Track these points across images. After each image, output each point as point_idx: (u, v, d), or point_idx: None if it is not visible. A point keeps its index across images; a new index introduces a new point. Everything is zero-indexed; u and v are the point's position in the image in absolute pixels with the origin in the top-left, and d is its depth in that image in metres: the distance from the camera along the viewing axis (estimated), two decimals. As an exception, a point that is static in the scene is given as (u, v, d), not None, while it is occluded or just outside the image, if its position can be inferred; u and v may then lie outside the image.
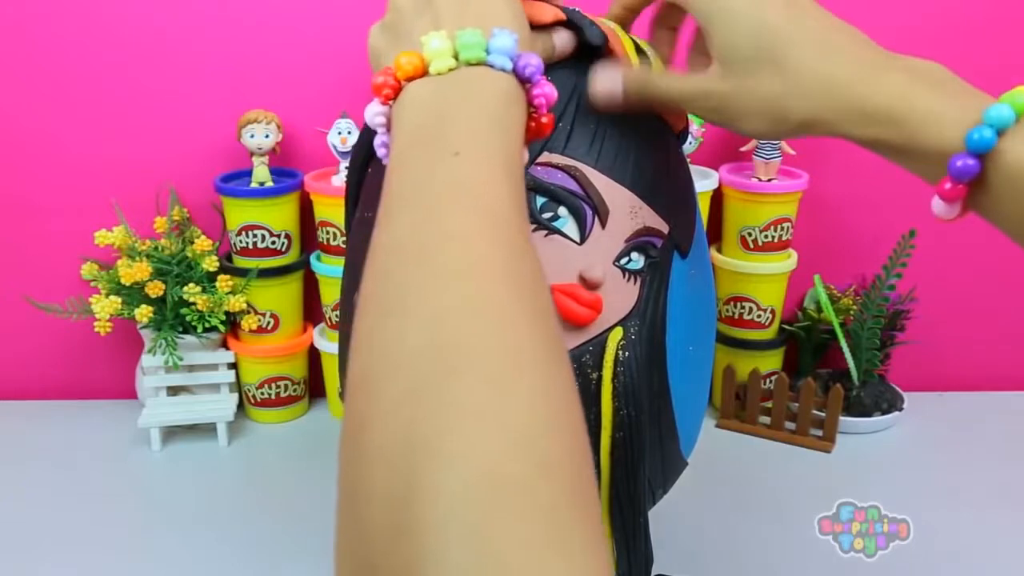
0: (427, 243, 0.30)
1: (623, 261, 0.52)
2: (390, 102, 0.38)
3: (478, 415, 0.24)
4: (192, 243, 0.93)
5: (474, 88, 0.36)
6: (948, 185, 0.40)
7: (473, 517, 0.22)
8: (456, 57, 0.37)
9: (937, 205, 0.42)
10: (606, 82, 0.50)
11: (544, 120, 0.40)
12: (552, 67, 0.52)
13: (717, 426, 0.96)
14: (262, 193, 0.92)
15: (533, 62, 0.38)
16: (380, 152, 0.41)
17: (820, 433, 0.92)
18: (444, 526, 0.22)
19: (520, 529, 0.22)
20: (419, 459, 0.24)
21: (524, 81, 0.38)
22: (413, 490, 0.23)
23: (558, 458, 0.25)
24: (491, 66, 0.37)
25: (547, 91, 0.39)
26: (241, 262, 0.94)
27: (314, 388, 1.03)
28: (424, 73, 0.37)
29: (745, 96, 0.46)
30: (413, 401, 0.25)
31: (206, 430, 0.94)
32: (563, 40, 0.50)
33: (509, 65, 0.37)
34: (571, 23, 0.50)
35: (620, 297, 0.52)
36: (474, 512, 0.22)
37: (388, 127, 0.39)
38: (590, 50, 0.51)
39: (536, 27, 0.47)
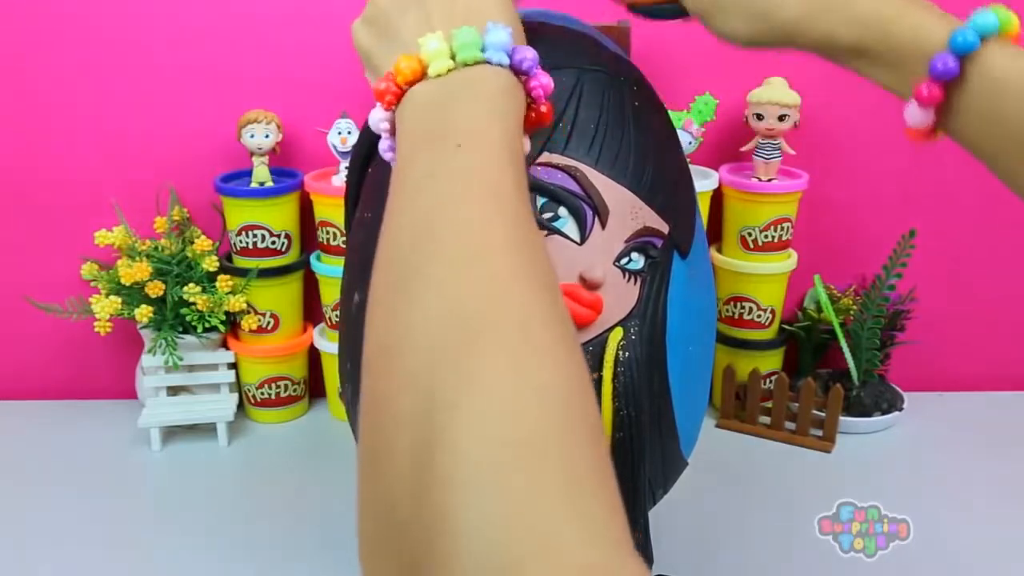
0: (436, 228, 0.31)
1: (623, 261, 0.52)
2: (393, 107, 0.39)
3: (498, 380, 0.26)
4: (192, 243, 0.93)
5: (474, 85, 0.37)
6: (925, 89, 0.41)
7: (496, 476, 0.23)
8: (453, 57, 0.37)
9: (911, 112, 0.43)
10: None
11: (544, 109, 0.41)
12: (553, 67, 0.52)
13: (717, 426, 0.96)
14: (262, 193, 0.92)
15: (529, 55, 0.38)
16: (387, 156, 0.42)
17: (820, 433, 0.92)
18: (468, 484, 0.23)
19: (541, 489, 0.23)
20: (442, 422, 0.25)
21: (521, 74, 0.39)
22: (437, 451, 0.24)
23: (575, 422, 0.26)
24: (488, 62, 0.37)
25: (544, 82, 0.39)
26: (241, 262, 0.94)
27: (314, 388, 1.03)
28: (424, 75, 0.38)
29: None
30: (433, 368, 0.26)
31: (206, 430, 0.94)
32: None
33: (506, 60, 0.38)
34: None
35: (620, 297, 0.52)
36: (497, 471, 0.23)
37: (393, 131, 0.39)
38: None
39: None
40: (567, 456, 0.24)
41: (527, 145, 0.41)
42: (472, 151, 0.34)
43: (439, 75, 0.37)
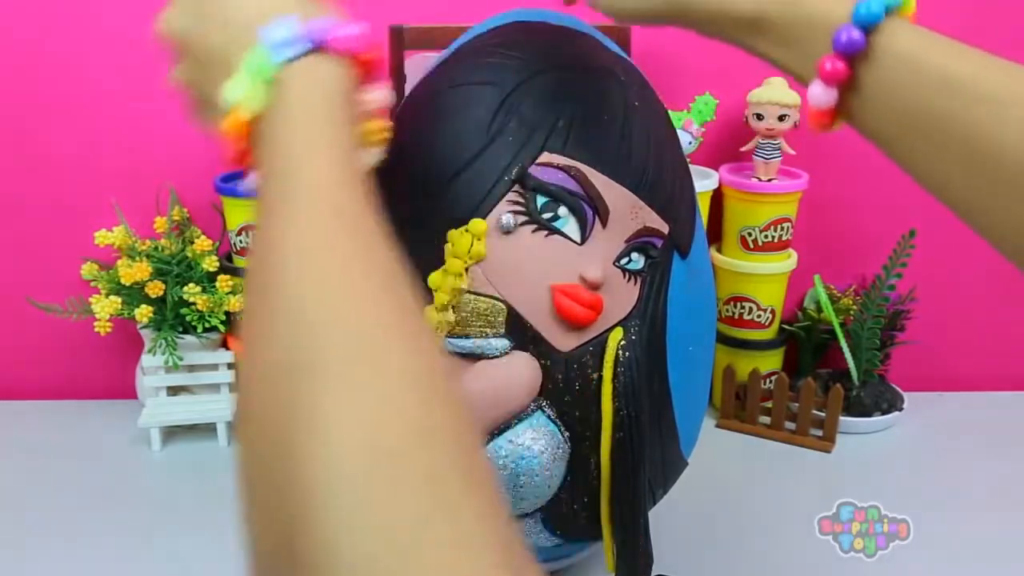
0: (277, 247, 0.30)
1: (623, 261, 0.52)
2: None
3: (350, 388, 0.25)
4: (192, 243, 0.93)
5: (286, 98, 0.36)
6: (829, 64, 0.40)
7: (355, 488, 0.23)
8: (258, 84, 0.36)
9: (814, 92, 0.41)
10: None
11: (371, 57, 0.39)
12: (555, 67, 0.52)
13: (717, 426, 0.96)
14: (262, 193, 0.92)
15: (315, 27, 0.37)
16: None
17: (820, 433, 0.92)
18: (327, 496, 0.23)
19: (404, 498, 0.23)
20: (298, 434, 0.24)
21: (323, 47, 0.37)
22: (295, 463, 0.24)
23: (435, 426, 0.25)
24: (287, 62, 0.36)
25: (345, 34, 0.37)
26: (241, 262, 0.94)
27: (314, 388, 1.03)
28: (248, 122, 0.37)
29: None
30: (288, 379, 0.26)
31: (206, 430, 0.94)
32: None
33: (295, 50, 0.36)
34: None
35: (620, 297, 0.52)
36: (355, 482, 0.23)
37: None
38: None
39: None
40: (429, 464, 0.24)
41: (386, 96, 0.40)
42: (305, 167, 0.33)
43: (258, 111, 0.36)
